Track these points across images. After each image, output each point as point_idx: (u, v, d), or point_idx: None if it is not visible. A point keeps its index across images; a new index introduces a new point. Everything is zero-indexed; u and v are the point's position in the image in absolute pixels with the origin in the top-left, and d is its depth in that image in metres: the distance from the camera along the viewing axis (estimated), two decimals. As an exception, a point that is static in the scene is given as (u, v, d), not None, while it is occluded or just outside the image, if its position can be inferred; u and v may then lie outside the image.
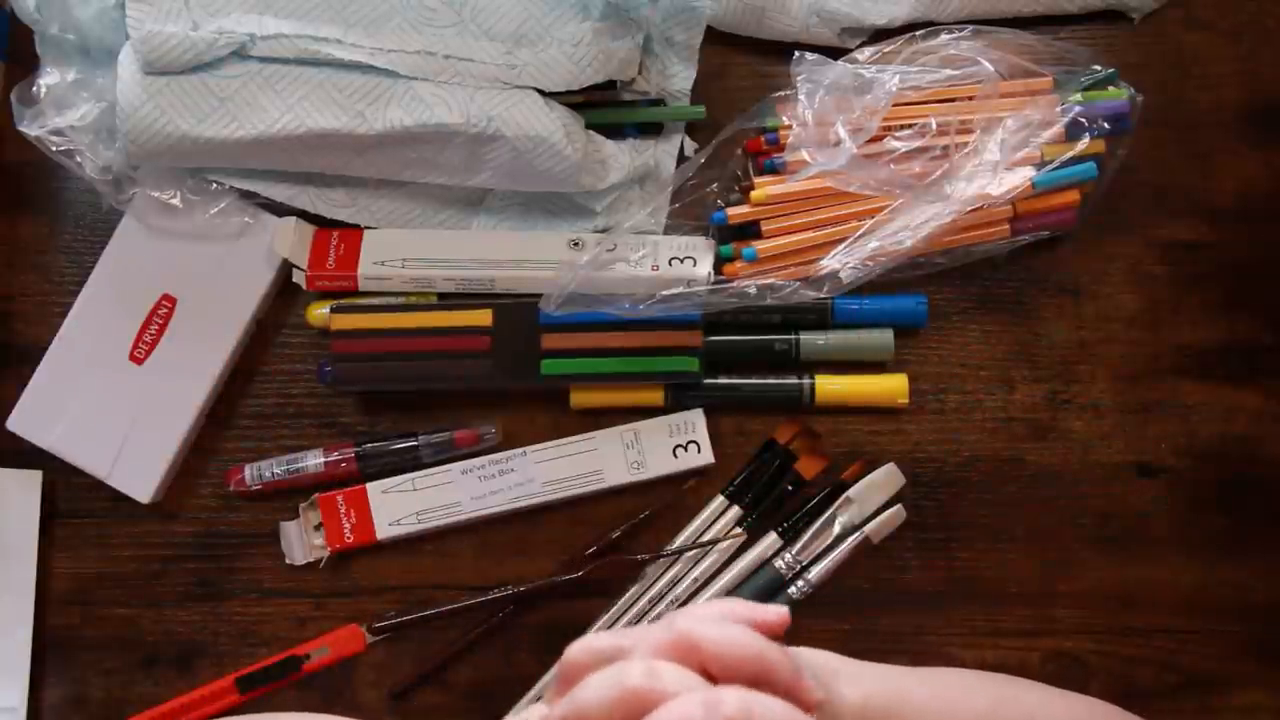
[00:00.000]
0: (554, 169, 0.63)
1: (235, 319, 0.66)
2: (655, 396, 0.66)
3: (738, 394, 0.67)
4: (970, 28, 0.65)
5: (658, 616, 0.65)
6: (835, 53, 0.65)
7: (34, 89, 0.63)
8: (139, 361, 0.66)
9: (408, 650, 0.66)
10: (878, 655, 0.48)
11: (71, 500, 0.67)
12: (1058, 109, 0.65)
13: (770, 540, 0.66)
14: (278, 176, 0.66)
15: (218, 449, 0.68)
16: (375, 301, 0.67)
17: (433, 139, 0.63)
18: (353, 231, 0.67)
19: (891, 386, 0.67)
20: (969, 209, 0.62)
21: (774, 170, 0.66)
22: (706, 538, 0.66)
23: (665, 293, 0.62)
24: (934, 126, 0.63)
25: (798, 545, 0.65)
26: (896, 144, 0.63)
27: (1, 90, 0.68)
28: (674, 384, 0.66)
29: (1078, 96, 0.66)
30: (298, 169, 0.65)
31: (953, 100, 0.65)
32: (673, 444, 0.66)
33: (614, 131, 0.67)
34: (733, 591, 0.65)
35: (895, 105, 0.63)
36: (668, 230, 0.67)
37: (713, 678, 0.37)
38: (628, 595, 0.66)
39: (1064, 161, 0.65)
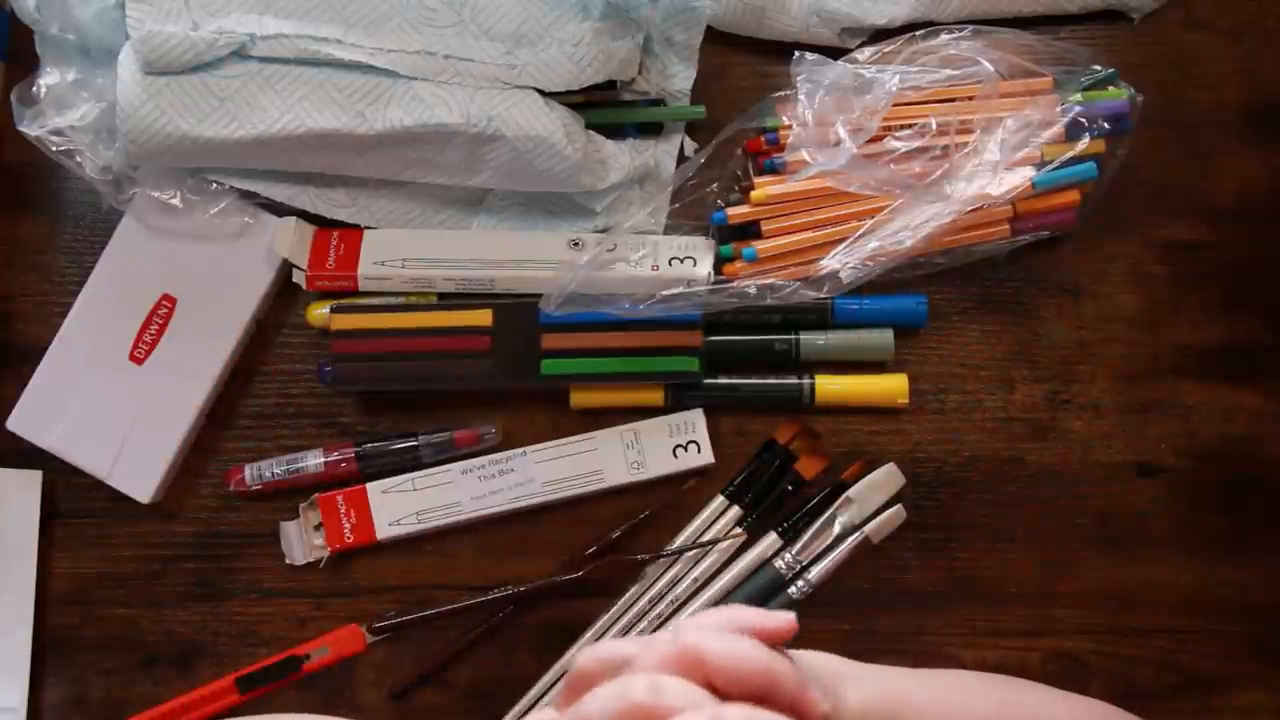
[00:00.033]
0: (554, 169, 0.63)
1: (235, 319, 0.66)
2: (655, 396, 0.66)
3: (738, 394, 0.67)
4: (970, 28, 0.65)
5: (658, 616, 0.65)
6: (835, 53, 0.65)
7: (34, 89, 0.63)
8: (139, 361, 0.66)
9: (408, 650, 0.66)
10: (878, 655, 0.48)
11: (71, 500, 0.67)
12: (1058, 109, 0.65)
13: (770, 540, 0.66)
14: (278, 176, 0.66)
15: (218, 449, 0.68)
16: (375, 301, 0.67)
17: (433, 139, 0.63)
18: (353, 231, 0.67)
19: (891, 386, 0.67)
20: (969, 209, 0.62)
21: (774, 170, 0.66)
22: (706, 538, 0.66)
23: (665, 293, 0.62)
24: (934, 126, 0.63)
25: (798, 545, 0.65)
26: (896, 144, 0.63)
27: (1, 90, 0.68)
28: (674, 384, 0.66)
29: (1078, 96, 0.66)
30: (298, 169, 0.65)
31: (953, 100, 0.64)
32: (673, 444, 0.66)
33: (614, 131, 0.67)
34: (733, 592, 0.65)
35: (895, 105, 0.63)
36: (668, 230, 0.67)
37: (719, 691, 0.37)
38: (628, 595, 0.66)
39: (1064, 161, 0.65)
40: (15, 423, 0.65)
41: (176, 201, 0.65)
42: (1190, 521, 0.67)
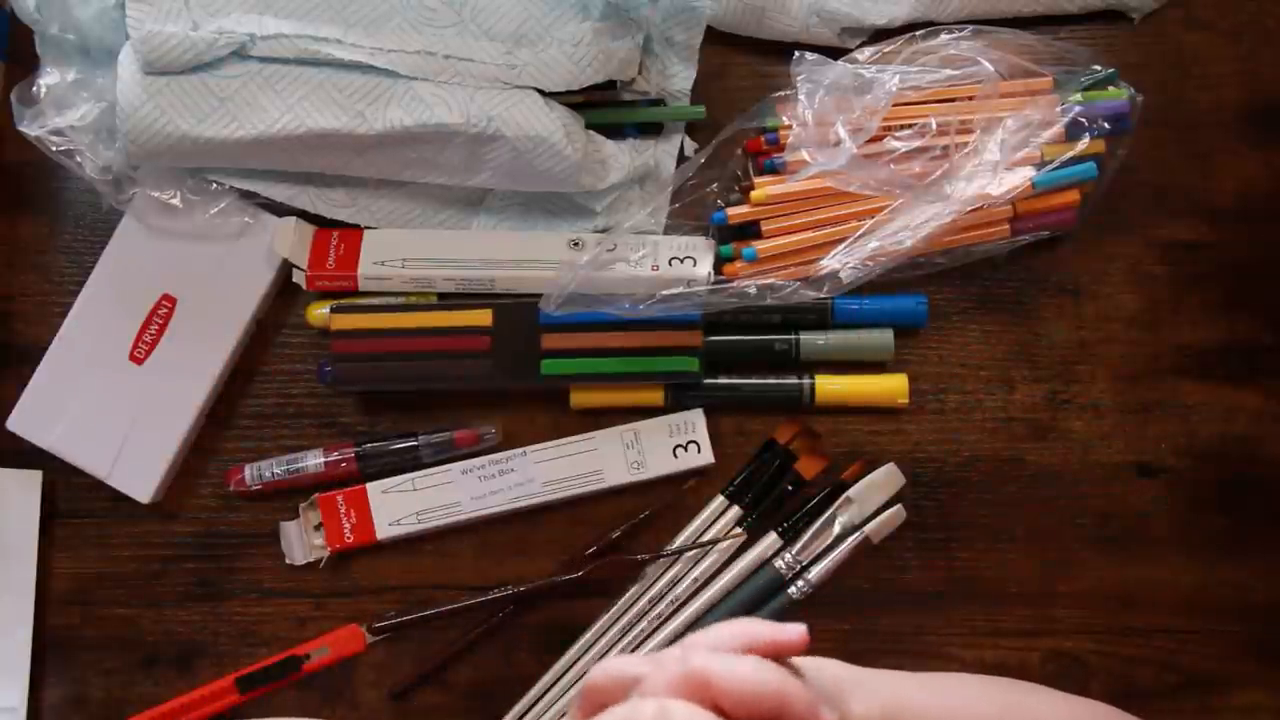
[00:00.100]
0: (554, 169, 0.63)
1: (235, 319, 0.66)
2: (655, 396, 0.66)
3: (738, 394, 0.67)
4: (970, 28, 0.65)
5: (658, 616, 0.65)
6: (835, 53, 0.65)
7: (34, 89, 0.63)
8: (139, 361, 0.66)
9: (408, 650, 0.66)
10: (878, 655, 0.48)
11: (71, 500, 0.67)
12: (1058, 109, 0.65)
13: (770, 540, 0.66)
14: (278, 176, 0.66)
15: (218, 449, 0.68)
16: (375, 301, 0.67)
17: (433, 139, 0.63)
18: (353, 231, 0.67)
19: (891, 386, 0.67)
20: (969, 209, 0.62)
21: (774, 170, 0.66)
22: (706, 538, 0.66)
23: (665, 293, 0.62)
24: (934, 126, 0.63)
25: (798, 545, 0.65)
26: (896, 144, 0.63)
27: (1, 90, 0.68)
28: (674, 384, 0.66)
29: (1078, 96, 0.66)
30: (298, 169, 0.65)
31: (953, 100, 0.64)
32: (673, 444, 0.66)
33: (614, 131, 0.67)
34: (733, 592, 0.65)
35: (895, 105, 0.63)
36: (668, 230, 0.67)
37: (727, 715, 0.36)
38: (628, 595, 0.66)
39: (1064, 161, 0.65)
40: (15, 423, 0.65)
41: (176, 201, 0.65)
42: (1190, 521, 0.67)
